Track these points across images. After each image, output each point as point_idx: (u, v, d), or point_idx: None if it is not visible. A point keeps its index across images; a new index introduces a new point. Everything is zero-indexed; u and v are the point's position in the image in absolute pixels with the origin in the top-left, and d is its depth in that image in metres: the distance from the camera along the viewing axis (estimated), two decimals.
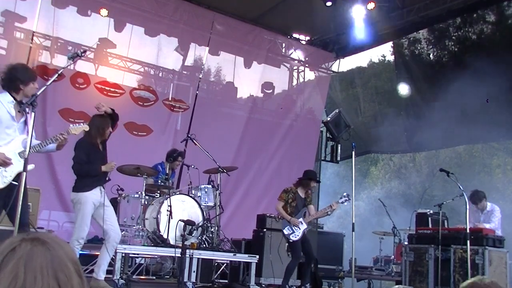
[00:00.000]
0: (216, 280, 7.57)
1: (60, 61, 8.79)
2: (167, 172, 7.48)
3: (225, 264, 7.86)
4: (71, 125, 4.56)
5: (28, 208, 4.35)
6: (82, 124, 4.71)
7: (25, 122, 4.25)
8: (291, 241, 6.68)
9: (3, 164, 4.05)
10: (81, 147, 5.17)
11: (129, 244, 6.03)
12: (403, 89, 11.02)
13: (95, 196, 5.15)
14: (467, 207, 6.46)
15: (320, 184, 12.21)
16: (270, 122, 11.45)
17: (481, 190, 7.69)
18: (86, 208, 5.08)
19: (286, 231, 6.69)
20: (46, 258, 1.07)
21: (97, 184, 5.19)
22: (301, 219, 6.70)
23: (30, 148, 3.90)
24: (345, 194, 6.89)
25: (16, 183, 4.00)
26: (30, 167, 4.06)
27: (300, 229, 6.65)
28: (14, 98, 4.13)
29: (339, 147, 12.25)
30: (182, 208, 6.51)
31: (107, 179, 5.45)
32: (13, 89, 4.12)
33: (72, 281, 1.08)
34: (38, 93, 4.08)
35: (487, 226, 7.21)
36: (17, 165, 4.11)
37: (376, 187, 25.63)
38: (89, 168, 5.17)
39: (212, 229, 6.92)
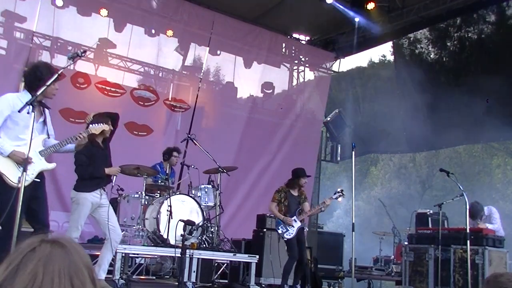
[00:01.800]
0: (216, 280, 7.56)
1: (60, 61, 8.77)
2: (166, 171, 7.49)
3: (225, 264, 7.86)
4: (90, 125, 4.66)
5: (47, 208, 4.48)
6: (101, 124, 4.75)
7: (44, 122, 4.37)
8: (285, 239, 6.69)
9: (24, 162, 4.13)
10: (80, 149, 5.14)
11: (129, 244, 6.02)
12: None
13: (94, 197, 5.13)
14: (467, 207, 6.46)
15: (320, 184, 12.23)
16: (270, 122, 11.44)
17: (477, 202, 7.56)
18: (83, 209, 5.07)
19: (280, 230, 6.70)
20: (64, 262, 1.09)
21: (98, 186, 5.17)
22: (294, 217, 6.71)
23: (30, 147, 3.91)
24: (339, 189, 6.85)
25: (39, 180, 4.22)
26: (51, 165, 4.38)
27: (294, 227, 6.66)
28: None
29: (339, 147, 12.25)
30: (182, 208, 6.51)
31: (111, 182, 5.44)
32: (34, 88, 4.11)
33: (86, 287, 1.10)
34: (38, 93, 4.08)
35: (489, 227, 7.21)
36: (38, 164, 4.24)
37: (376, 187, 25.67)
38: (93, 170, 5.16)
39: (212, 229, 6.92)
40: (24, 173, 3.83)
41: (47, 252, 1.09)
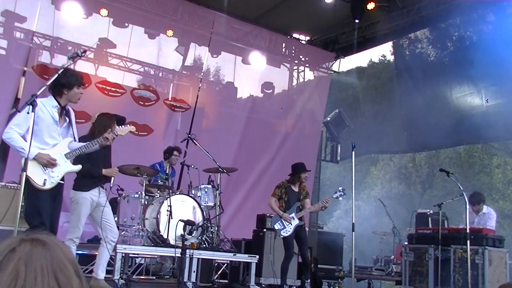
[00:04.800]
0: (216, 280, 7.57)
1: (60, 61, 8.78)
2: (166, 171, 7.49)
3: (225, 264, 7.86)
4: (117, 127, 4.76)
5: (60, 209, 4.59)
6: (128, 125, 4.88)
7: (69, 127, 4.46)
8: (281, 236, 6.61)
9: (48, 164, 4.22)
10: None
11: (129, 244, 6.02)
12: None
13: (93, 196, 5.12)
14: (467, 207, 6.46)
15: (320, 184, 12.23)
16: (270, 122, 11.45)
17: (481, 193, 7.82)
18: (83, 208, 5.05)
19: (276, 226, 6.62)
20: (46, 259, 1.06)
21: (96, 185, 5.15)
22: (292, 215, 6.61)
23: (30, 147, 3.92)
24: (340, 188, 6.80)
25: (63, 182, 4.38)
26: (77, 167, 4.49)
27: (291, 224, 6.56)
28: (58, 103, 4.29)
29: (339, 147, 12.25)
30: (182, 208, 6.51)
31: (110, 181, 5.43)
32: (57, 93, 4.28)
33: (72, 281, 1.08)
34: (38, 93, 4.09)
35: None
36: (63, 166, 4.35)
37: (376, 187, 25.64)
38: (90, 168, 5.14)
39: (212, 229, 6.92)
40: (25, 172, 3.86)
41: (27, 250, 1.06)
